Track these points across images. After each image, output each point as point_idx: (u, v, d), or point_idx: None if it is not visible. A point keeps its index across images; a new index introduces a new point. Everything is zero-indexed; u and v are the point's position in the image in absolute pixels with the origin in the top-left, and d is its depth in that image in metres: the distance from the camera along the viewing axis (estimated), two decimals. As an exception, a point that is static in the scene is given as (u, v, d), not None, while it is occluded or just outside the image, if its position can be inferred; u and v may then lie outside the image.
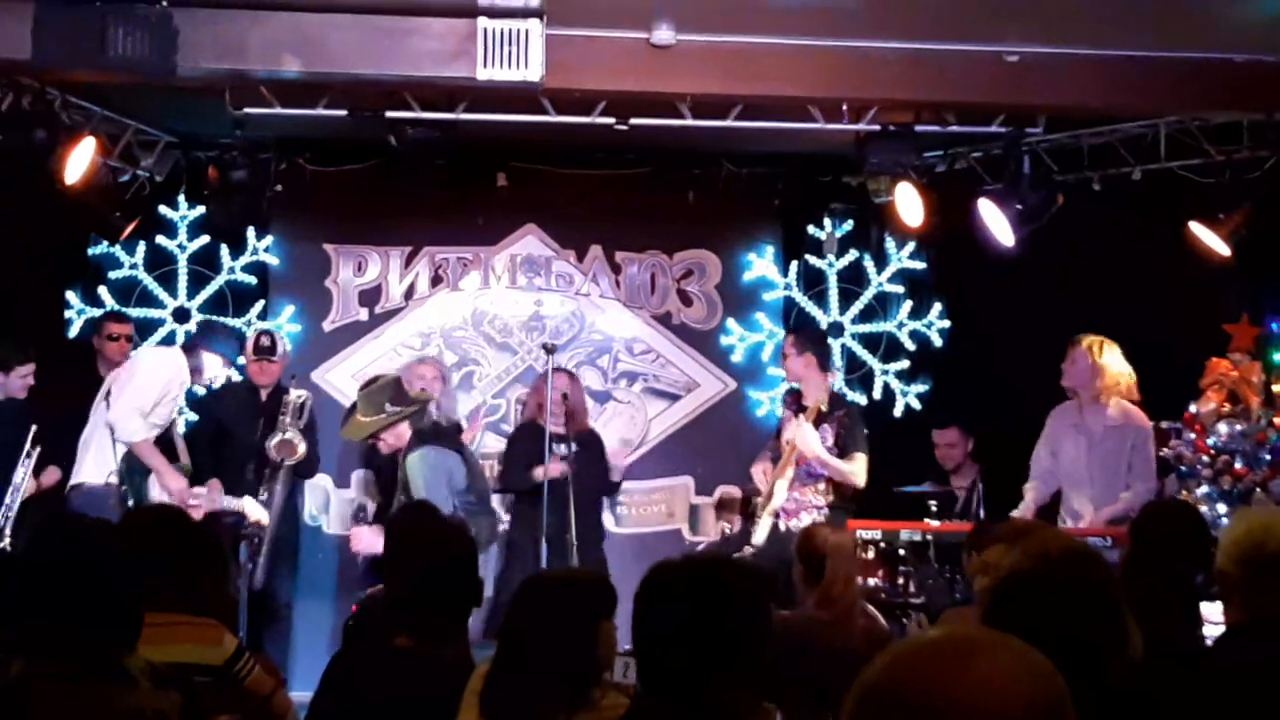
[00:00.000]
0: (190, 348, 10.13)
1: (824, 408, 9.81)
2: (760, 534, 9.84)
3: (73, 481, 9.47)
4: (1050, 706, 2.00)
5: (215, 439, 10.61)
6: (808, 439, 9.70)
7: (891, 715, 1.98)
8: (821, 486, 9.91)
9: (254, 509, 9.87)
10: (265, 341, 10.96)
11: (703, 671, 3.58)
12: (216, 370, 10.09)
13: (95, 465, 9.36)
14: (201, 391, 10.49)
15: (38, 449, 9.69)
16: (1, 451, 9.69)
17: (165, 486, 9.43)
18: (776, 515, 9.83)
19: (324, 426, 10.77)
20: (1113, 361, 9.51)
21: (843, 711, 2.04)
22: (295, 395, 10.26)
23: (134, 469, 9.39)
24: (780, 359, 10.40)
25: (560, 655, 4.19)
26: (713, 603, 3.65)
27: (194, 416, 11.25)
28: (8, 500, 9.50)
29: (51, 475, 9.98)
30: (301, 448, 10.29)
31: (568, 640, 4.22)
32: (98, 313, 11.45)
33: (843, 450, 9.84)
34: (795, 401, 10.17)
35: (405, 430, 9.33)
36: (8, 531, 9.42)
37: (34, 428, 9.70)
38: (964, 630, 2.19)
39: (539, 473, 10.25)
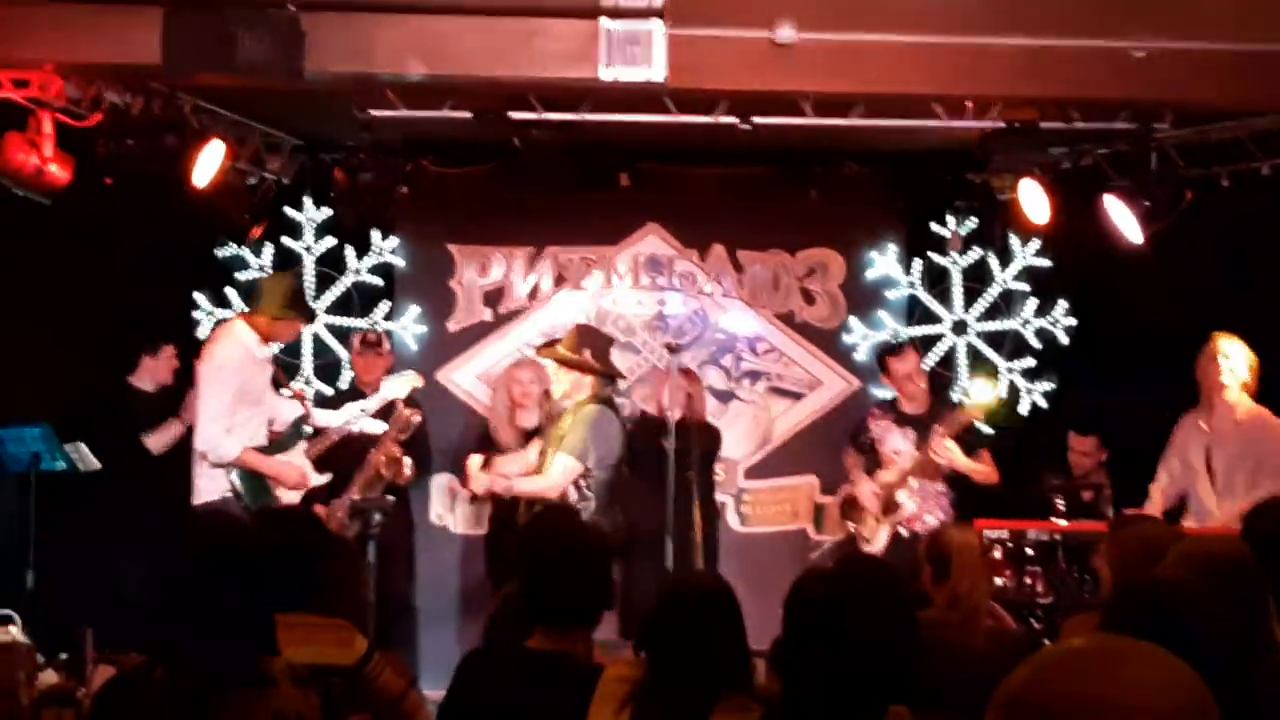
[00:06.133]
0: (256, 313, 9.62)
1: (979, 420, 9.86)
2: (879, 542, 9.87)
3: (194, 502, 9.29)
4: (1196, 718, 1.98)
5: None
6: (955, 455, 9.75)
7: None
8: (941, 487, 9.95)
9: (396, 386, 9.74)
10: (371, 337, 11.07)
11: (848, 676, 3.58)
12: (294, 331, 9.99)
13: (209, 481, 9.23)
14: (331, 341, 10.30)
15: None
16: None
17: (283, 484, 9.31)
18: (898, 524, 9.87)
19: (449, 426, 10.84)
20: (1234, 359, 9.39)
21: (991, 715, 2.03)
22: (409, 414, 9.85)
23: (248, 475, 9.24)
24: (890, 362, 10.39)
25: (713, 663, 4.18)
26: (870, 614, 3.65)
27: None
28: None
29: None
30: (409, 470, 10.07)
31: (721, 649, 4.22)
32: (227, 314, 11.59)
33: (968, 450, 9.87)
34: (892, 410, 10.24)
35: (586, 383, 9.24)
36: None
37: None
38: (1109, 639, 2.17)
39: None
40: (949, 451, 9.80)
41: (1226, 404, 9.41)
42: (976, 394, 10.20)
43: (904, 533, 9.87)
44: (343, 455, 9.83)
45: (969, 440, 9.99)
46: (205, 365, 9.41)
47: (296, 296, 9.92)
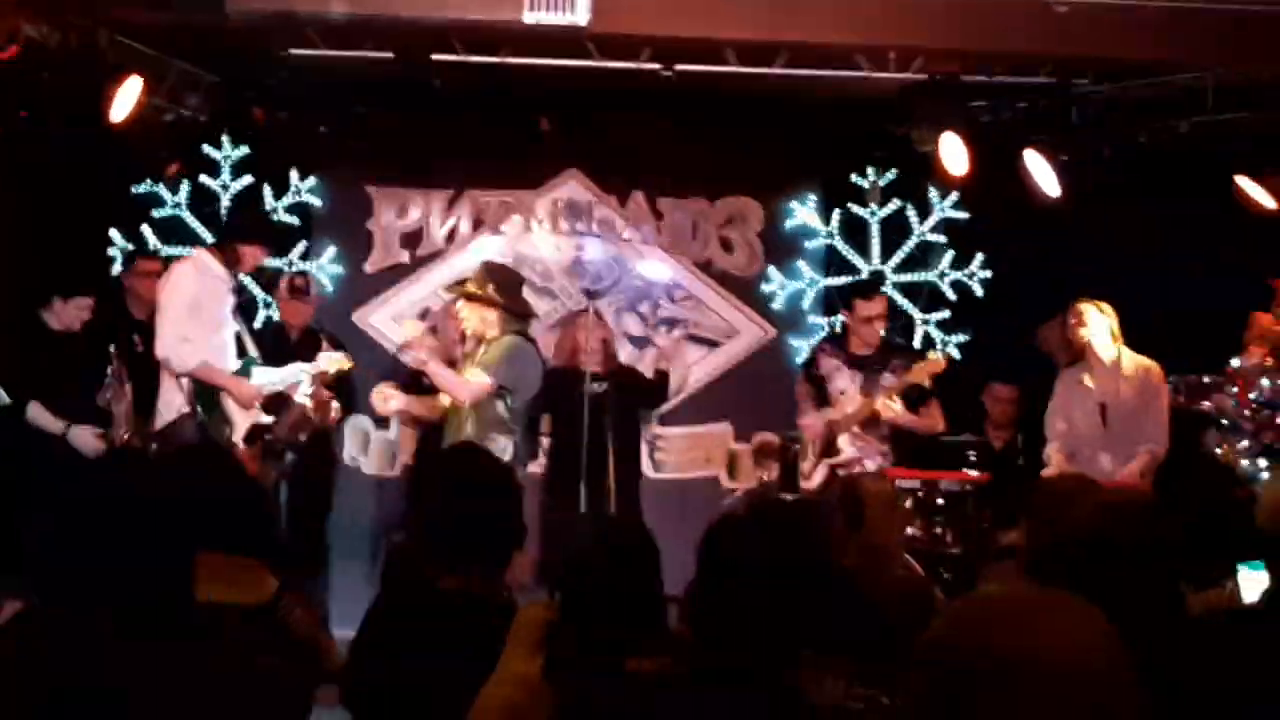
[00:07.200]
0: (222, 243, 9.73)
1: (926, 384, 9.83)
2: (816, 479, 9.89)
3: (156, 426, 9.35)
4: (1112, 666, 2.02)
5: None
6: (899, 412, 9.76)
7: (959, 671, 2.00)
8: (885, 432, 9.97)
9: (330, 360, 9.77)
10: (299, 282, 10.96)
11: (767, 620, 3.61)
12: (257, 259, 9.80)
13: (166, 404, 9.26)
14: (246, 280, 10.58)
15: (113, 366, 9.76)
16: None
17: (236, 399, 9.27)
18: (834, 466, 9.89)
19: (364, 367, 10.77)
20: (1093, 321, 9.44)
21: (911, 665, 2.06)
22: (339, 363, 9.85)
23: (202, 392, 9.21)
24: (857, 303, 10.37)
25: (628, 608, 4.19)
26: (781, 559, 3.68)
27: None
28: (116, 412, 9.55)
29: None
30: (336, 413, 10.13)
31: (636, 594, 4.22)
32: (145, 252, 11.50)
33: (915, 404, 9.90)
34: (840, 350, 10.22)
35: (493, 319, 9.22)
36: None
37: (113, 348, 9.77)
38: (1023, 589, 2.22)
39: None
40: (893, 409, 9.78)
41: (1106, 359, 9.44)
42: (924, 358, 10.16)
43: (840, 475, 9.86)
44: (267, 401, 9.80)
45: (916, 395, 9.97)
46: (163, 280, 9.52)
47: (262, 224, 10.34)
